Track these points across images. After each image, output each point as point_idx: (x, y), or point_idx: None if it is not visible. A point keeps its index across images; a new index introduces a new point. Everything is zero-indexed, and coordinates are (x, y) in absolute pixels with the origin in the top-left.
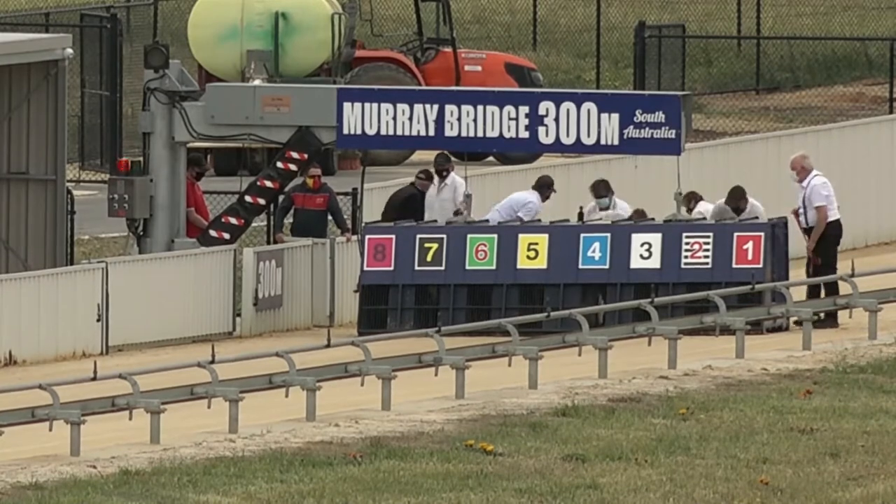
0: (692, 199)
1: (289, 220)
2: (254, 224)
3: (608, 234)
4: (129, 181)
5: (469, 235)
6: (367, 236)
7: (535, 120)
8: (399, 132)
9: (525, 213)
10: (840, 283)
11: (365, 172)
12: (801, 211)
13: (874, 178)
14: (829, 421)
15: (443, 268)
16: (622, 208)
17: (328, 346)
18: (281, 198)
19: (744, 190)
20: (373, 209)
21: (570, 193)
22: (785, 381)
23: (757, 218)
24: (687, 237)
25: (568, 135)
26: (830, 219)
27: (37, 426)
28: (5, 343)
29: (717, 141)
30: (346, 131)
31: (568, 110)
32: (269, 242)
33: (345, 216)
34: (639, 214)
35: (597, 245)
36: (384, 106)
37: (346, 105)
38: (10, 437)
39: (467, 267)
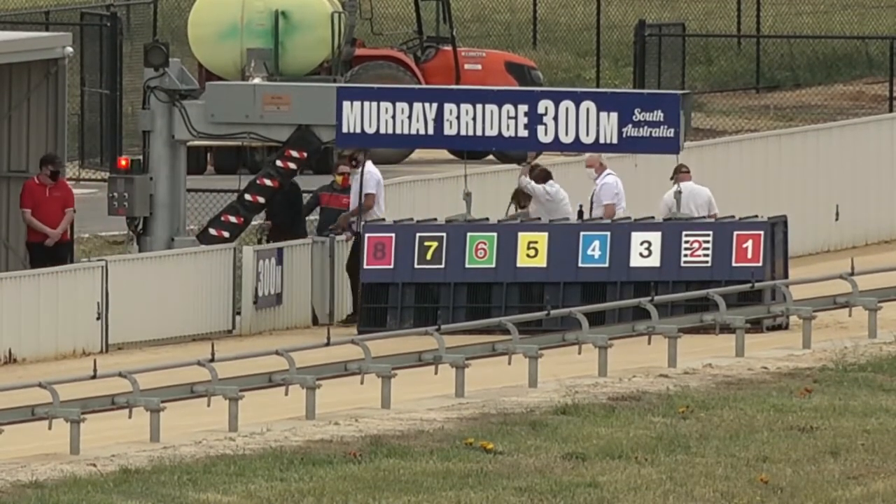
0: (680, 170)
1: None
2: (253, 222)
3: (608, 233)
4: (129, 179)
5: (469, 234)
6: (367, 234)
7: (534, 119)
8: (398, 131)
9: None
10: (840, 281)
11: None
12: (588, 207)
13: (874, 176)
14: (829, 419)
15: (442, 266)
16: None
17: (328, 344)
18: (307, 196)
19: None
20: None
21: (570, 193)
22: (785, 379)
23: (711, 210)
24: (687, 235)
25: (567, 133)
26: (618, 216)
27: (37, 424)
28: (5, 341)
29: (716, 139)
30: (345, 130)
31: (567, 109)
32: (267, 241)
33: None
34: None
35: (596, 243)
36: (384, 104)
37: (346, 103)
38: (10, 436)
39: (467, 265)
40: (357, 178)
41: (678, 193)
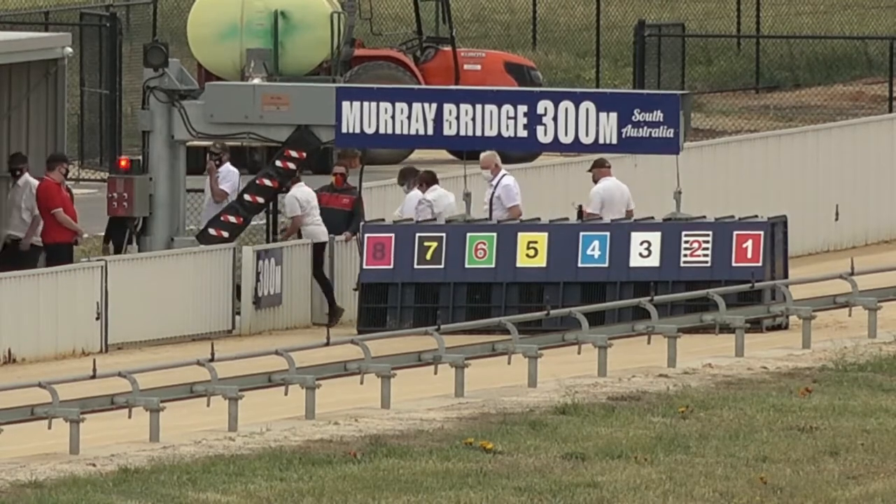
0: (602, 165)
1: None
2: (253, 222)
3: (608, 233)
4: (129, 180)
5: (468, 234)
6: (367, 234)
7: (534, 119)
8: (398, 131)
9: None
10: (840, 281)
11: (363, 171)
12: (486, 208)
13: (874, 176)
14: (829, 419)
15: (442, 266)
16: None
17: (327, 344)
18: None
19: (603, 161)
20: (372, 207)
21: (569, 193)
22: (784, 379)
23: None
24: (686, 235)
25: (566, 134)
26: (519, 217)
27: (36, 424)
28: (5, 341)
29: (716, 140)
30: (344, 130)
31: (566, 109)
32: (268, 240)
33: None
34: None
35: (596, 243)
36: (383, 105)
37: (345, 104)
38: (9, 435)
39: (467, 265)
40: (219, 176)
41: (678, 194)
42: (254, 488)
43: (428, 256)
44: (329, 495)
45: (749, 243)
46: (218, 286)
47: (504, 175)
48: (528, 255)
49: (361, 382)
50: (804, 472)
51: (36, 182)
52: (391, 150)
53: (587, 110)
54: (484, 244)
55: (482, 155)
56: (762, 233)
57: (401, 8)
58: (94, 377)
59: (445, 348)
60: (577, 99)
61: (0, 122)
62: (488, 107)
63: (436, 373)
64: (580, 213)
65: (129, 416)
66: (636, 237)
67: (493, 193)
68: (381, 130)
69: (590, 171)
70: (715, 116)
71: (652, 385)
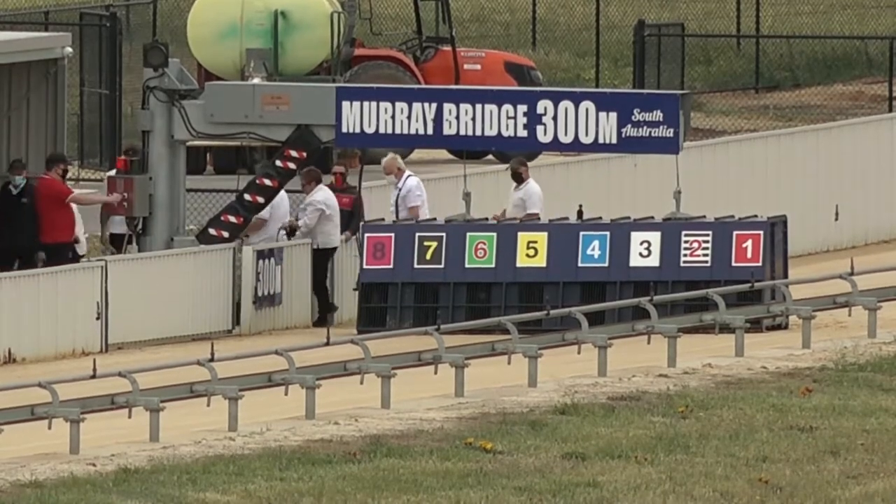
0: (522, 164)
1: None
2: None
3: (607, 233)
4: (129, 180)
5: (468, 233)
6: (367, 234)
7: (534, 119)
8: (398, 131)
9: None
10: (840, 281)
11: (363, 171)
12: (392, 210)
13: (873, 176)
14: (829, 419)
15: (442, 266)
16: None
17: (327, 344)
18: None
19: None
20: (372, 207)
21: (570, 192)
22: (784, 379)
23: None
24: (686, 235)
25: (566, 133)
26: (423, 217)
27: (36, 424)
28: (5, 341)
29: (716, 139)
30: (344, 130)
31: (566, 109)
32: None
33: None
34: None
35: (596, 243)
36: (383, 104)
37: (345, 103)
38: (9, 435)
39: (467, 265)
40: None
41: (678, 193)
42: (254, 488)
43: (428, 256)
44: (329, 495)
45: (749, 243)
46: (218, 286)
47: (409, 177)
48: (528, 255)
49: (361, 382)
50: (804, 472)
51: None
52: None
53: (587, 110)
54: (484, 244)
55: (383, 161)
56: (762, 233)
57: (401, 8)
58: (94, 377)
59: (445, 348)
60: (576, 99)
61: (0, 122)
62: (488, 106)
63: (436, 373)
64: (580, 213)
65: (130, 416)
66: (636, 237)
67: (398, 195)
68: (381, 130)
69: (515, 168)
70: (715, 116)
71: (652, 385)
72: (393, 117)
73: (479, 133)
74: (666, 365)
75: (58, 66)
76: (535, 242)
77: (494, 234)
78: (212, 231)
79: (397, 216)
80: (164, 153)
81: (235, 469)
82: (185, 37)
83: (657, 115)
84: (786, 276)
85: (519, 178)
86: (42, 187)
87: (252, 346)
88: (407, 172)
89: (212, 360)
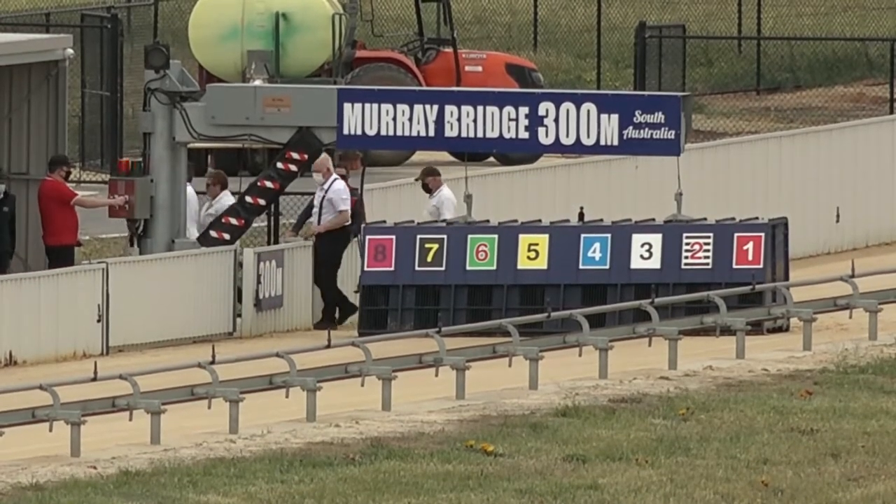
0: (430, 174)
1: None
2: (254, 224)
3: (608, 235)
4: (130, 182)
5: (470, 236)
6: (368, 237)
7: (535, 120)
8: (399, 133)
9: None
10: (841, 283)
11: (365, 173)
12: (315, 210)
13: (875, 178)
14: (830, 421)
15: (443, 268)
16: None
17: (328, 346)
18: (309, 198)
19: (434, 169)
20: (373, 209)
21: (571, 194)
22: (785, 381)
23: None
24: (687, 238)
25: (567, 135)
26: (347, 223)
27: (37, 427)
28: (6, 343)
29: (717, 141)
30: (346, 132)
31: (567, 111)
32: (268, 243)
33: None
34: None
35: (597, 245)
36: (384, 106)
37: (347, 105)
38: (10, 438)
39: (468, 267)
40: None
41: (679, 195)
42: (254, 490)
43: (429, 258)
44: (330, 497)
45: (750, 245)
46: (219, 288)
47: (335, 180)
48: (529, 257)
49: (362, 385)
50: (805, 475)
51: None
52: (392, 152)
53: (588, 112)
54: (485, 246)
55: (317, 160)
56: (763, 235)
57: (402, 9)
58: (94, 379)
59: (446, 350)
60: (578, 100)
61: (1, 124)
62: (490, 108)
63: (437, 375)
64: (581, 215)
65: (130, 419)
66: (637, 239)
67: (323, 196)
68: (383, 132)
69: (423, 180)
70: (716, 118)
71: (653, 387)
72: (394, 119)
73: (480, 135)
74: (667, 367)
75: (59, 68)
76: (536, 245)
77: (495, 237)
78: (213, 233)
79: (319, 217)
80: (165, 155)
81: (236, 471)
82: (187, 38)
83: (659, 116)
84: (787, 279)
85: (427, 190)
86: (45, 189)
87: (253, 349)
88: (334, 175)
89: (213, 362)
